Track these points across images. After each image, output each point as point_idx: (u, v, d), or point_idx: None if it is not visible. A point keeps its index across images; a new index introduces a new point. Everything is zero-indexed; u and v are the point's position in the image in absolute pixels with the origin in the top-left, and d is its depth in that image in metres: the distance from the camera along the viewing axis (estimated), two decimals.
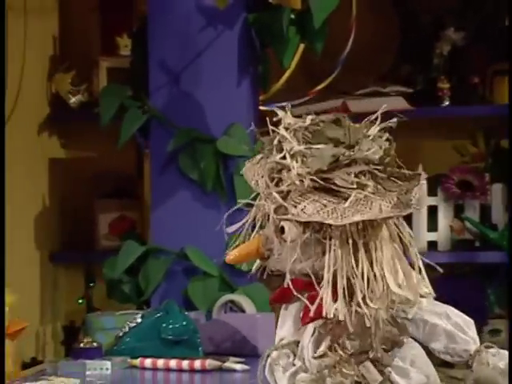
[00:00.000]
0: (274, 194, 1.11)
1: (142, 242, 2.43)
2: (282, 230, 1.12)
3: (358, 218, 1.08)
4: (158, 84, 2.36)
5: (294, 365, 1.16)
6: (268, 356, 1.18)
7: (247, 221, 1.18)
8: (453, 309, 1.18)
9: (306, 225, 1.11)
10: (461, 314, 1.19)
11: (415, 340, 1.16)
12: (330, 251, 1.10)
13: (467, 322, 1.18)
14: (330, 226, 1.09)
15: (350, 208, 1.08)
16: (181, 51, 2.34)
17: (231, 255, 1.15)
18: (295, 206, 1.09)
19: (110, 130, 2.41)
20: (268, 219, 1.15)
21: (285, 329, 1.20)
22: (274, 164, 1.14)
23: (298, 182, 1.10)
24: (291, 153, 1.12)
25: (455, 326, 1.16)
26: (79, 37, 3.00)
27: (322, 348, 1.12)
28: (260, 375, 1.19)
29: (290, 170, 1.11)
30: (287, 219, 1.11)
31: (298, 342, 1.17)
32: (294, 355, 1.17)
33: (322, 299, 1.10)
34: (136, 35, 2.60)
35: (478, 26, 2.87)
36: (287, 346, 1.18)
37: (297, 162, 1.11)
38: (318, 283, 1.11)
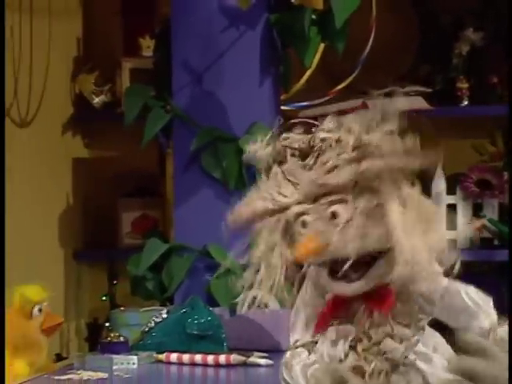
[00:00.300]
0: (325, 180, 1.15)
1: (164, 240, 2.47)
2: (334, 215, 1.15)
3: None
4: (181, 84, 2.38)
5: (308, 359, 1.20)
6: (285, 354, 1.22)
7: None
8: (470, 287, 1.21)
9: (356, 199, 1.14)
10: (478, 291, 1.22)
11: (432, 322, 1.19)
12: (390, 215, 1.13)
13: (485, 299, 1.21)
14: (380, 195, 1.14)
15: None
16: (203, 51, 2.37)
17: (303, 250, 1.16)
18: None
19: (133, 129, 2.44)
20: (296, 219, 1.17)
21: (297, 332, 1.24)
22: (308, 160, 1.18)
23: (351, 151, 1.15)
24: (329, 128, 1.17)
25: (474, 303, 1.20)
26: (102, 38, 3.04)
27: (346, 352, 1.16)
28: (280, 375, 1.23)
29: (331, 145, 1.16)
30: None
31: (312, 342, 1.20)
32: (309, 353, 1.20)
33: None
34: (159, 36, 2.63)
35: (497, 27, 2.88)
36: (301, 346, 1.22)
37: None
38: (368, 262, 1.14)
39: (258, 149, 1.23)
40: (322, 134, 1.19)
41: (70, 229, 2.97)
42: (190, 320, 2.05)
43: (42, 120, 2.78)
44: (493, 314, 1.21)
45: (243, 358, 1.95)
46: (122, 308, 2.41)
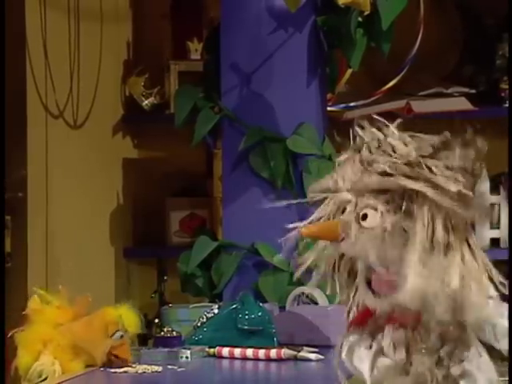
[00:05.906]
0: (375, 180, 1.16)
1: (213, 238, 2.51)
2: (364, 216, 1.18)
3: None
4: (229, 85, 2.41)
5: (371, 347, 1.21)
6: (346, 339, 1.22)
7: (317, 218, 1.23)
8: (504, 304, 1.20)
9: (394, 211, 1.16)
10: None
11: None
12: (413, 243, 1.14)
13: None
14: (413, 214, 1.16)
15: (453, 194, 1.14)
16: (252, 53, 2.40)
17: (309, 229, 1.18)
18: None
19: (180, 130, 2.49)
20: (343, 211, 1.21)
21: None
22: (366, 156, 1.21)
23: (409, 159, 1.16)
24: (395, 137, 1.19)
25: None
26: (151, 42, 3.09)
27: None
28: (336, 358, 1.22)
29: (390, 154, 1.17)
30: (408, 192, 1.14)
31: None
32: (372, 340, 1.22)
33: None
34: (208, 38, 2.68)
35: None
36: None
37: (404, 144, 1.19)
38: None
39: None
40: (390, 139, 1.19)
41: (120, 227, 3.01)
42: (240, 315, 2.08)
43: (93, 122, 2.84)
44: None
45: (294, 353, 1.98)
46: (170, 305, 2.45)
